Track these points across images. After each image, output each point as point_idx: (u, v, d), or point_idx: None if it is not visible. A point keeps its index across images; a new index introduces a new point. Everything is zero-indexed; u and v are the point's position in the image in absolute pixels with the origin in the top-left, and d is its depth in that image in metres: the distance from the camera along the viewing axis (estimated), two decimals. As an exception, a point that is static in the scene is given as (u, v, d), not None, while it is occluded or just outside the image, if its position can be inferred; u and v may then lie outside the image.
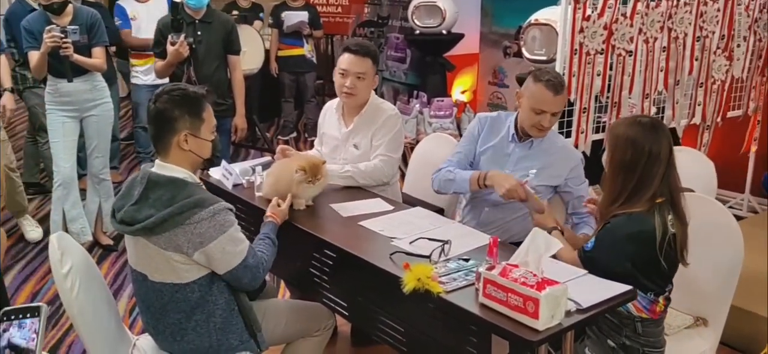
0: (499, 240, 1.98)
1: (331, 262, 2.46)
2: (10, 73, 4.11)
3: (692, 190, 2.70)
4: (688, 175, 2.85)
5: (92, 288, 2.15)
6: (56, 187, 3.87)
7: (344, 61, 2.85)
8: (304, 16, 5.90)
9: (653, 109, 3.74)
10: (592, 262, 2.11)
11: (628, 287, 1.97)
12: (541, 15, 3.98)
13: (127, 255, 2.20)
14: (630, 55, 3.53)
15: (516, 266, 1.83)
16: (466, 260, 2.09)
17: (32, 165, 5.00)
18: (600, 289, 1.95)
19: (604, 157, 2.24)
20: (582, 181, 2.71)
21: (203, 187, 2.16)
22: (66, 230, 3.75)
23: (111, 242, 4.16)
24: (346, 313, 2.51)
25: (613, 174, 2.16)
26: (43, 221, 4.40)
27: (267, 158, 3.05)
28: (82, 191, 4.07)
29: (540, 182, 2.59)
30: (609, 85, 3.52)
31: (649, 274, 2.12)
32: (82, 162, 4.19)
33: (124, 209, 2.04)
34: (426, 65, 6.06)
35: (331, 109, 3.07)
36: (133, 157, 5.94)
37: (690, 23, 3.70)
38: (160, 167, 2.09)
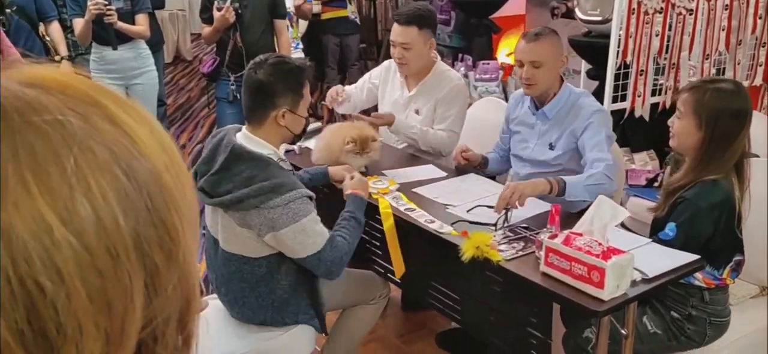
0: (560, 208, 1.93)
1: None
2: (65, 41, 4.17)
3: (758, 156, 2.59)
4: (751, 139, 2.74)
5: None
6: None
7: (393, 31, 2.87)
8: None
9: (713, 71, 3.59)
10: (674, 248, 1.97)
11: (695, 256, 1.91)
12: (596, -27, 3.83)
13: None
14: (690, 14, 3.37)
15: (580, 234, 1.78)
16: (527, 228, 2.05)
17: None
18: (666, 259, 1.89)
19: (680, 126, 2.08)
20: (592, 135, 2.34)
21: (287, 166, 2.10)
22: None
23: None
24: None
25: (714, 147, 2.01)
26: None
27: (317, 124, 3.03)
28: None
29: (565, 149, 2.43)
30: (667, 46, 3.38)
31: (728, 242, 2.03)
32: None
33: (205, 177, 2.01)
34: (471, 27, 5.93)
35: (395, 69, 3.00)
36: (180, 121, 6.04)
37: (754, -21, 3.53)
38: (246, 139, 2.04)
